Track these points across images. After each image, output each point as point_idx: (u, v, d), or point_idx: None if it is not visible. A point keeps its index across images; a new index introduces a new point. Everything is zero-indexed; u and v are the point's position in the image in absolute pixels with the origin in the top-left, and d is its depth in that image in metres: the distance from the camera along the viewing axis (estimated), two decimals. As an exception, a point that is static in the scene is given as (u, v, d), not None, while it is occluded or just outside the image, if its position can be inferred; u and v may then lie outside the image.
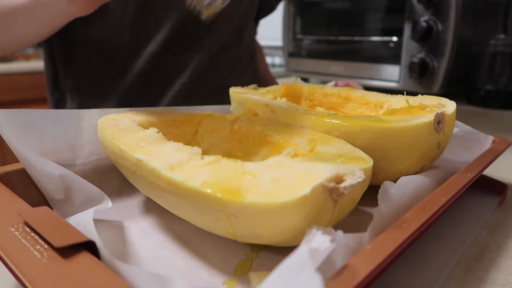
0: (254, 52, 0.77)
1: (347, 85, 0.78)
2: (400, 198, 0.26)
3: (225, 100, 0.51)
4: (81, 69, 0.61)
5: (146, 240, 0.29)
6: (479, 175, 0.31)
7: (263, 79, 0.88)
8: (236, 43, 0.69)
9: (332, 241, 0.18)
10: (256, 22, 0.87)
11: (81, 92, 0.62)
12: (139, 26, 0.58)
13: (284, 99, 0.39)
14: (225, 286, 0.24)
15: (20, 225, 0.23)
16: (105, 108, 0.37)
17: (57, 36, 0.58)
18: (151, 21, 0.58)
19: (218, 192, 0.22)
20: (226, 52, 0.67)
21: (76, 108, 0.54)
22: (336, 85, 0.77)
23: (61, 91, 0.65)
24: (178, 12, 0.58)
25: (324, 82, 1.00)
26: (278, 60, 1.72)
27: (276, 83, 0.89)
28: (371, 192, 0.27)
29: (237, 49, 0.70)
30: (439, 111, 0.31)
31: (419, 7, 0.78)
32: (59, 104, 0.65)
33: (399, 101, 0.39)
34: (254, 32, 0.78)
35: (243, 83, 0.51)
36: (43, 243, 0.21)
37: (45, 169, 0.30)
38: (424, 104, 0.34)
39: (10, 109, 0.31)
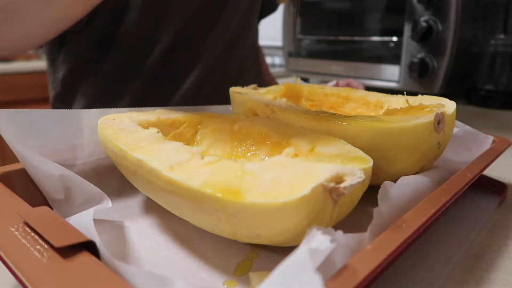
0: (258, 51, 0.78)
1: (347, 84, 0.78)
2: (400, 198, 0.26)
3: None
4: (92, 71, 0.61)
5: (146, 240, 0.29)
6: (479, 175, 0.31)
7: (264, 79, 0.88)
8: (242, 42, 0.70)
9: (332, 241, 0.18)
10: (257, 22, 0.87)
11: (90, 95, 0.62)
12: (152, 23, 0.58)
13: (284, 99, 0.39)
14: (225, 286, 0.24)
15: (20, 225, 0.23)
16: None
17: (71, 38, 0.58)
18: (161, 18, 0.59)
19: (218, 192, 0.22)
20: (233, 50, 0.67)
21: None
22: (337, 84, 0.77)
23: (67, 96, 0.64)
24: (188, 9, 0.59)
25: (324, 82, 1.00)
26: (278, 60, 1.73)
27: (276, 84, 0.89)
28: (371, 192, 0.27)
29: (243, 48, 0.71)
30: (439, 111, 0.31)
31: (419, 7, 0.78)
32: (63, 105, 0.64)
33: (399, 101, 0.39)
34: (257, 32, 0.79)
35: (249, 82, 0.51)
36: (43, 243, 0.21)
37: (45, 169, 0.30)
38: (424, 104, 0.34)
39: (10, 109, 0.31)
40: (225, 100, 0.48)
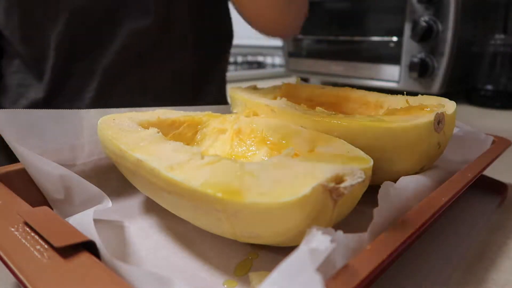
0: (197, 37, 0.64)
1: None
2: (400, 198, 0.26)
3: (146, 103, 0.45)
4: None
5: (146, 240, 0.29)
6: (479, 175, 0.31)
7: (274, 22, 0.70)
8: (161, 37, 0.59)
9: (332, 241, 0.18)
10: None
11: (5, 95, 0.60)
12: (28, 39, 0.55)
13: (284, 99, 0.39)
14: (225, 286, 0.24)
15: (20, 225, 0.23)
16: None
17: None
18: (38, 32, 0.54)
19: (218, 192, 0.22)
20: (145, 51, 0.59)
21: None
22: None
23: None
24: (67, 16, 0.53)
25: (324, 82, 1.00)
26: (278, 60, 1.72)
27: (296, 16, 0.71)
28: (371, 192, 0.27)
29: (164, 43, 0.60)
30: (439, 111, 0.31)
31: (419, 7, 0.78)
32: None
33: (399, 101, 0.39)
34: (197, 15, 0.63)
35: (175, 77, 0.44)
36: (43, 243, 0.21)
37: (45, 169, 0.30)
38: (424, 104, 0.34)
39: (10, 109, 0.32)
40: (139, 105, 0.42)
